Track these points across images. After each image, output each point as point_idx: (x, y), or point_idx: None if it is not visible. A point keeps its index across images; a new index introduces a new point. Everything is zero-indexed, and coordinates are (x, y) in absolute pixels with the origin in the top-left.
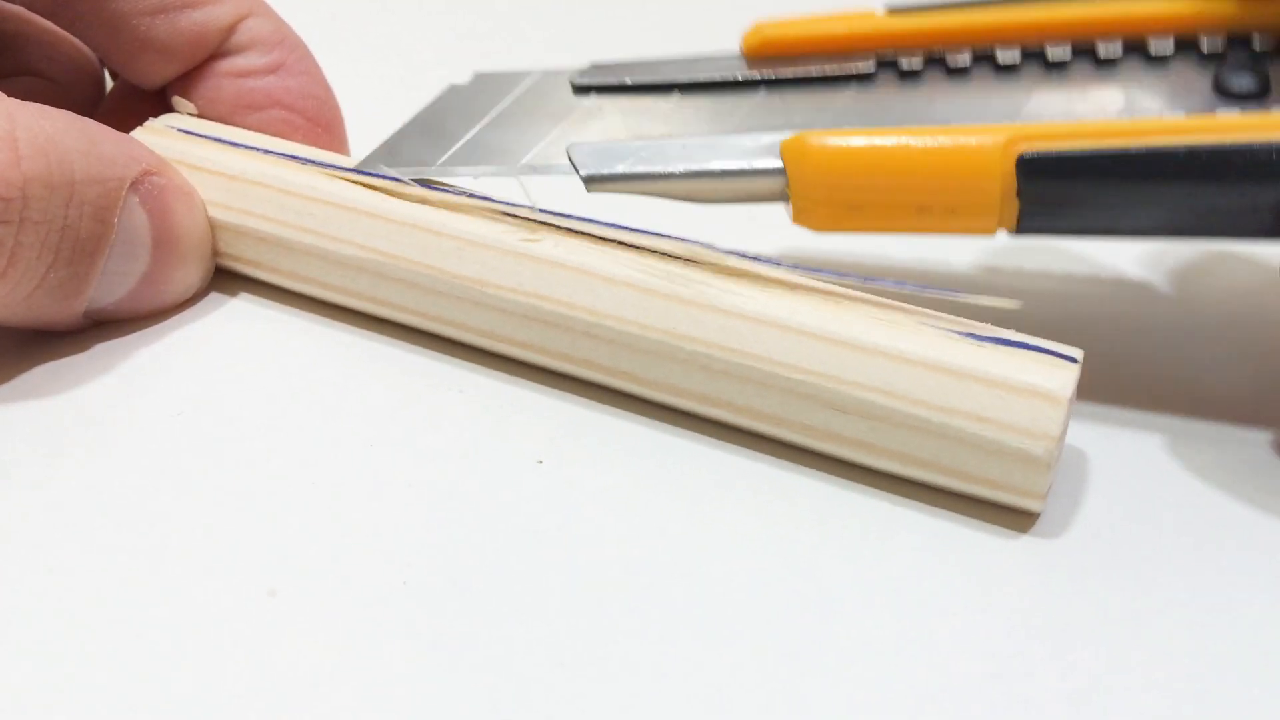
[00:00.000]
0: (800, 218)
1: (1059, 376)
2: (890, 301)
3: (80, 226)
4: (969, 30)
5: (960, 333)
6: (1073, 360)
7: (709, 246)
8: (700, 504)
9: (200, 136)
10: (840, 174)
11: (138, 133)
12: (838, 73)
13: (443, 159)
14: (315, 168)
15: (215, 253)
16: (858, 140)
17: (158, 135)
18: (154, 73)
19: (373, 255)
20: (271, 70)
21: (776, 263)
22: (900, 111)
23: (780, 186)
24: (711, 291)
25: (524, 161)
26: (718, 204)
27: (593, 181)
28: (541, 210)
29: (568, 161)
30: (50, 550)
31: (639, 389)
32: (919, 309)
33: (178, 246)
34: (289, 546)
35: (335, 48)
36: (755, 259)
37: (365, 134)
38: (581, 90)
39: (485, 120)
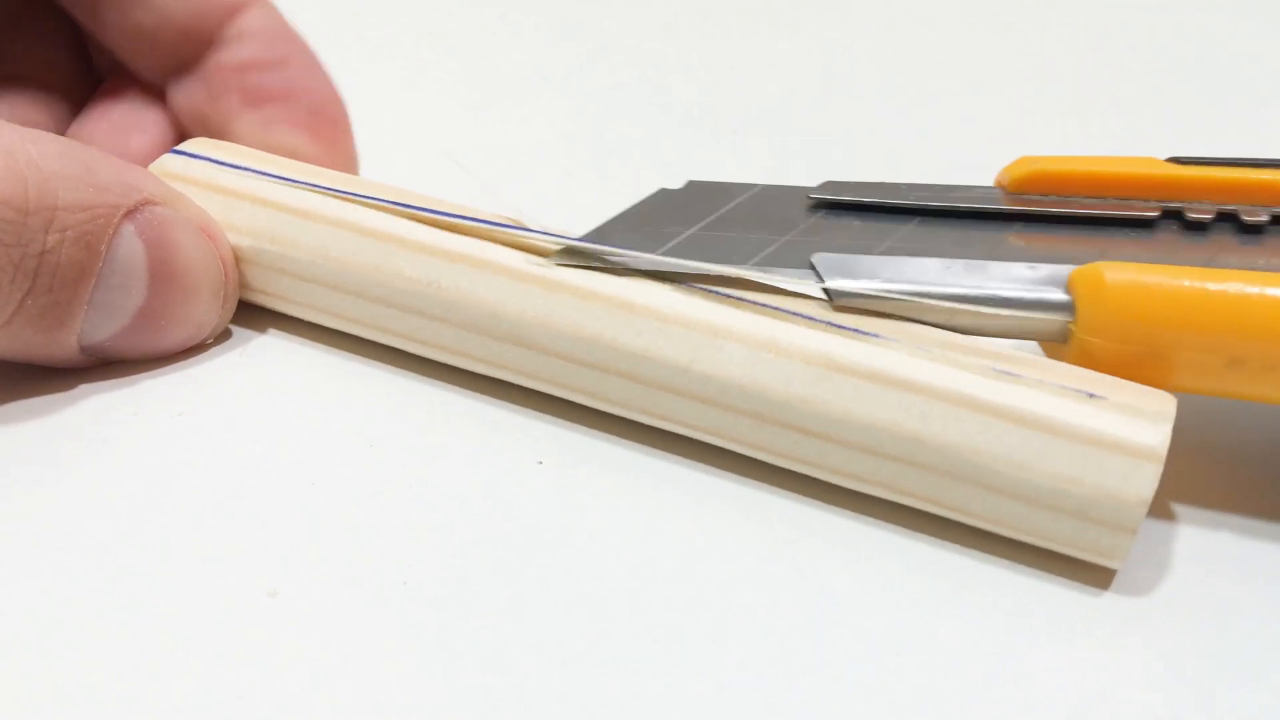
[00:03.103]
0: (1079, 359)
1: (1153, 432)
2: (959, 349)
3: (61, 253)
4: (1266, 188)
5: (1048, 381)
6: (1165, 416)
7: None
8: (706, 508)
9: (326, 190)
10: (1143, 314)
11: (259, 161)
12: (1117, 214)
13: (663, 249)
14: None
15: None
16: (1171, 278)
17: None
18: (150, 62)
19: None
20: (275, 64)
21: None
22: (1184, 261)
23: (1061, 324)
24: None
25: (755, 260)
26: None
27: (840, 295)
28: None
29: (807, 269)
30: (50, 549)
31: (678, 428)
32: (995, 354)
33: (180, 281)
34: (289, 547)
35: (333, 49)
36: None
37: (368, 133)
38: (814, 207)
39: (704, 222)
